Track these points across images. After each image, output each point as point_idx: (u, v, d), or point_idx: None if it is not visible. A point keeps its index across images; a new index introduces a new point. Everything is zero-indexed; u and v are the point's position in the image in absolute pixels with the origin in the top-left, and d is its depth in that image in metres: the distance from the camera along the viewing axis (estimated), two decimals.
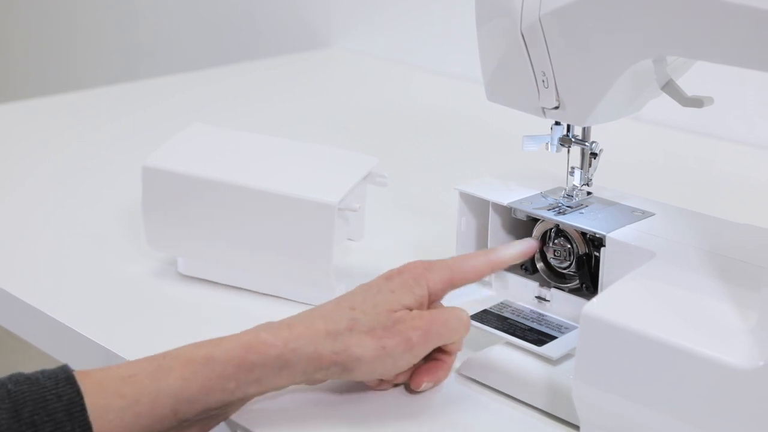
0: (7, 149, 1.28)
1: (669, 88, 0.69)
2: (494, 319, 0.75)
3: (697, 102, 0.68)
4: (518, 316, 0.76)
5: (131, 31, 2.15)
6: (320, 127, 1.35)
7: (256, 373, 0.66)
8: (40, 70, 2.42)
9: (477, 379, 0.73)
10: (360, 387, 0.73)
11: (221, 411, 0.67)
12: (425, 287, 0.71)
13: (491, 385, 0.73)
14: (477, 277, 0.74)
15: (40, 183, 1.15)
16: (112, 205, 1.05)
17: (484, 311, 0.76)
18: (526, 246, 0.77)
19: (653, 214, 0.75)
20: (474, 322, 0.75)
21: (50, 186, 1.14)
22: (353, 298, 0.70)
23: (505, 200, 0.78)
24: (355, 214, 0.84)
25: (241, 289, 0.87)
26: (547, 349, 0.71)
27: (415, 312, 0.70)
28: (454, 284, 0.73)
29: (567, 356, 0.71)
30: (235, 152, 0.90)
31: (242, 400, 0.68)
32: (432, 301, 0.72)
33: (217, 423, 0.68)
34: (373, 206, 0.91)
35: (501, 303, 0.78)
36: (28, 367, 0.65)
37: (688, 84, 0.71)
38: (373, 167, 0.87)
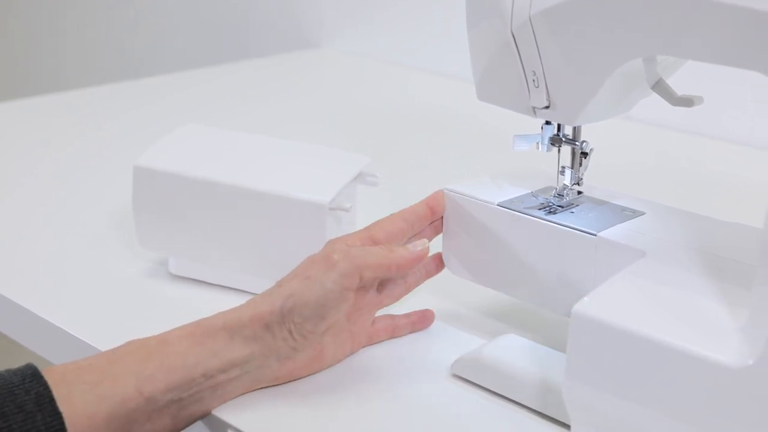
0: (3, 148, 1.27)
1: (659, 87, 0.69)
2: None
3: (686, 101, 0.68)
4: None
5: (126, 31, 2.15)
6: (314, 126, 1.35)
7: (208, 345, 0.68)
8: (34, 69, 2.42)
9: (468, 378, 0.74)
10: (352, 388, 0.73)
11: (192, 397, 0.68)
12: (343, 244, 0.74)
13: (482, 385, 0.73)
14: (396, 227, 0.77)
15: (37, 182, 1.15)
16: (107, 205, 1.05)
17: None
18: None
19: (643, 213, 0.75)
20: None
21: (46, 185, 1.14)
22: None
23: (495, 200, 0.78)
24: (346, 213, 0.84)
25: (233, 289, 0.87)
26: None
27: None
28: (374, 239, 0.75)
29: (558, 356, 0.71)
30: (226, 152, 0.89)
31: (212, 387, 0.68)
32: None
33: (192, 417, 0.69)
34: (368, 205, 0.91)
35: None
36: None
37: (679, 83, 0.71)
38: (364, 166, 0.87)
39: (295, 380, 0.73)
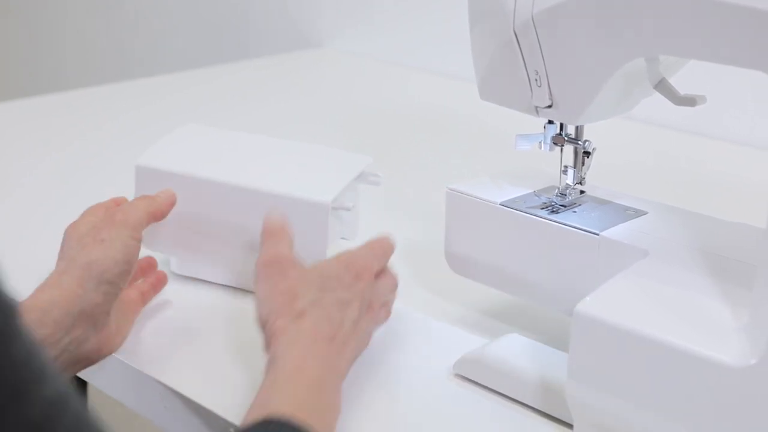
0: (3, 148, 1.27)
1: (662, 86, 0.69)
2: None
3: (689, 101, 0.68)
4: None
5: (126, 31, 2.15)
6: (315, 126, 1.35)
7: None
8: (35, 69, 2.42)
9: (470, 378, 0.74)
10: (354, 387, 0.73)
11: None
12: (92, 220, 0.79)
13: (484, 384, 0.73)
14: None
15: (37, 182, 1.15)
16: None
17: None
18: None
19: (646, 213, 0.75)
20: None
21: (46, 185, 1.14)
22: None
23: (498, 199, 0.78)
24: (348, 213, 0.84)
25: (234, 288, 0.87)
26: None
27: None
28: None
29: (560, 355, 0.71)
30: (228, 151, 0.89)
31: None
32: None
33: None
34: (368, 205, 0.91)
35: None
36: None
37: (679, 82, 0.71)
38: (366, 166, 0.87)
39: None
